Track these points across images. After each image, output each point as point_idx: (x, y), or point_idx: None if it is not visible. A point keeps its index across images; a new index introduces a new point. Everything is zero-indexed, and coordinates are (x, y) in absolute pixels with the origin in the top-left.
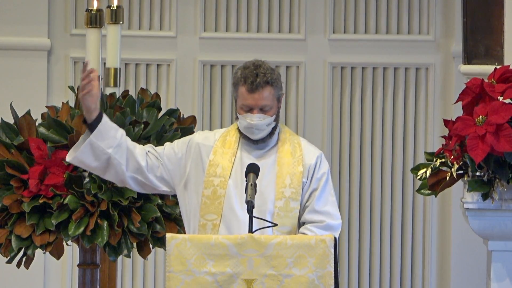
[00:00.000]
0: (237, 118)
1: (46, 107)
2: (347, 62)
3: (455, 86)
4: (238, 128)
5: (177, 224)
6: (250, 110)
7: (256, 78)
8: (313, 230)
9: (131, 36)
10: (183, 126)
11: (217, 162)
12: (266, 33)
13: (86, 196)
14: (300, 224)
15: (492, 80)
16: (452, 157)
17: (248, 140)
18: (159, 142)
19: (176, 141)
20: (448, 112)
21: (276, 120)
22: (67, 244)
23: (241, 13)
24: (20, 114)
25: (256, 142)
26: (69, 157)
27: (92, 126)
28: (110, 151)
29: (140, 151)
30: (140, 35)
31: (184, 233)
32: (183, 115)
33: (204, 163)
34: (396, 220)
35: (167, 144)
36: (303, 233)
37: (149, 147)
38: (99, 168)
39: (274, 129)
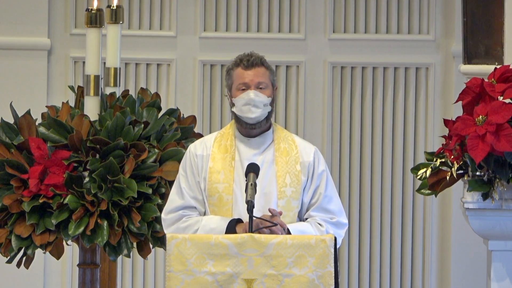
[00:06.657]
0: (233, 113)
1: (46, 106)
2: (347, 62)
3: (455, 86)
4: (233, 129)
5: None
6: (247, 88)
7: (251, 57)
8: (324, 225)
9: (131, 35)
10: (183, 126)
11: (218, 169)
12: (266, 33)
13: (86, 196)
14: (303, 220)
15: (492, 79)
16: (452, 156)
17: (244, 138)
18: (159, 141)
19: (182, 176)
20: (448, 112)
21: (272, 105)
22: (67, 244)
23: (241, 13)
24: (20, 113)
25: (250, 137)
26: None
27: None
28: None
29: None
30: (140, 34)
31: None
32: (183, 114)
33: (205, 171)
34: (396, 220)
35: (183, 187)
36: (317, 222)
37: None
38: None
39: (268, 119)
